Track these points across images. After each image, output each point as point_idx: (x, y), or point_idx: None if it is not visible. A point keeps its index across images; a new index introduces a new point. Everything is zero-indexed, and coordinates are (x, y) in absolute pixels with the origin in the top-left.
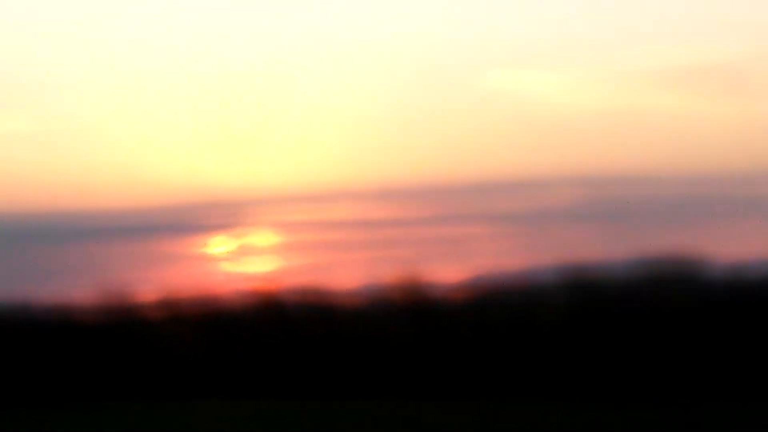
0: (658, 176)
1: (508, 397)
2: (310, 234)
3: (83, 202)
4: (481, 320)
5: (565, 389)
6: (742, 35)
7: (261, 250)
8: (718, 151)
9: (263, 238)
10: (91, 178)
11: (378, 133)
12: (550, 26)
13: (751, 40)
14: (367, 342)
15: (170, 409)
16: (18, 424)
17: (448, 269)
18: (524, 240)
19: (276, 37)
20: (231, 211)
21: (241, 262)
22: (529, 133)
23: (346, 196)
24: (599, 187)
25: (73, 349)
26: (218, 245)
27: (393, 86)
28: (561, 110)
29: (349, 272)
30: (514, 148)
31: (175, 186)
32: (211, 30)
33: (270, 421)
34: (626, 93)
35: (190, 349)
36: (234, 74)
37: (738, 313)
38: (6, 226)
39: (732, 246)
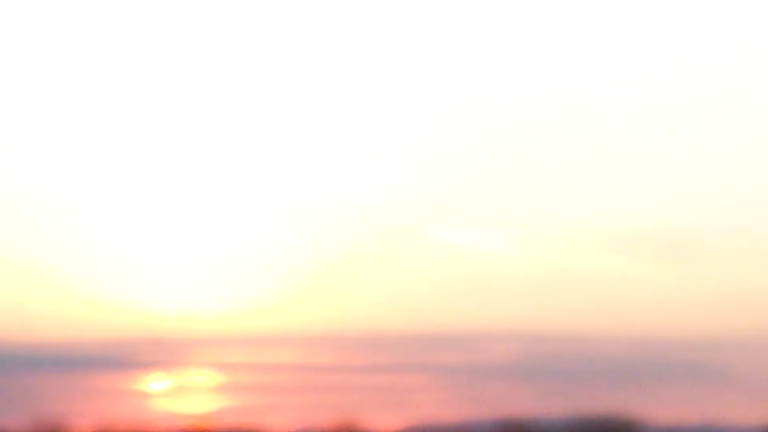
0: (598, 337)
1: None
2: (249, 376)
3: (19, 332)
4: None
5: None
6: (689, 201)
7: (199, 390)
8: (660, 316)
9: (202, 377)
10: (27, 307)
11: (321, 280)
12: (496, 182)
13: (699, 207)
14: None
15: None
16: None
17: (386, 418)
18: (463, 392)
19: (227, 178)
20: (169, 349)
21: (179, 400)
22: (473, 288)
23: (286, 340)
24: (539, 344)
25: None
26: (155, 382)
27: (338, 235)
28: (504, 266)
29: (287, 416)
30: (457, 301)
31: (113, 320)
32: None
33: None
34: (571, 252)
35: None
36: (176, 209)
37: None
38: None
39: (669, 410)
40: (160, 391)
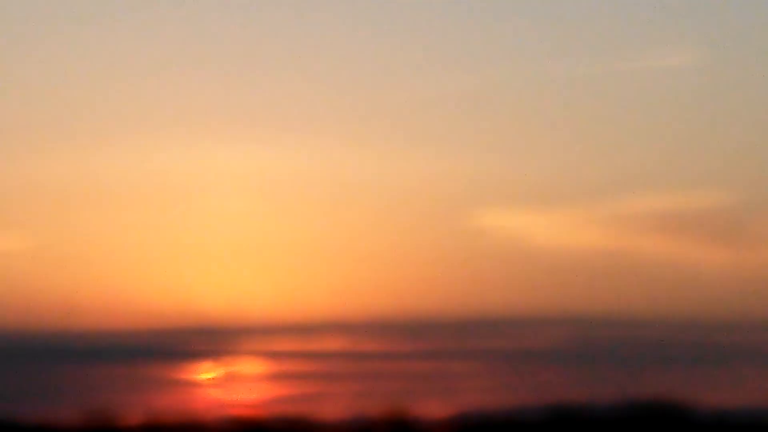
0: (648, 320)
1: None
2: (298, 364)
3: (73, 323)
4: None
5: None
6: (737, 183)
7: (248, 379)
8: (708, 298)
9: (251, 366)
10: (81, 298)
11: (368, 267)
12: (542, 165)
13: (746, 188)
14: None
15: None
16: None
17: (435, 405)
18: (512, 378)
19: (269, 169)
20: (219, 338)
21: (228, 390)
22: (518, 272)
23: (335, 328)
24: (588, 329)
25: None
26: (205, 372)
27: (383, 221)
28: (549, 250)
29: (335, 404)
30: (502, 286)
31: (164, 310)
32: (205, 153)
33: None
34: (617, 235)
35: None
36: (225, 200)
37: None
38: None
39: (718, 392)
40: (210, 380)
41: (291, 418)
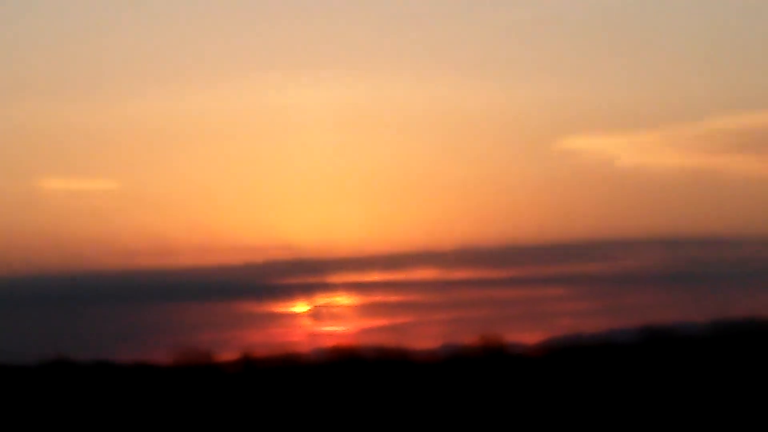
0: (740, 239)
1: None
2: (390, 295)
3: (167, 262)
4: (560, 380)
5: None
6: None
7: (341, 310)
8: None
9: (343, 298)
10: (175, 238)
11: (457, 196)
12: (627, 90)
13: None
14: (446, 401)
15: None
16: None
17: (528, 330)
18: (603, 302)
19: (357, 104)
20: (312, 272)
21: (321, 322)
22: (606, 195)
23: (426, 258)
24: (678, 249)
25: (156, 405)
26: (298, 305)
27: (473, 149)
28: (637, 172)
29: (427, 333)
30: (592, 210)
31: (257, 246)
32: (295, 88)
33: None
34: (703, 155)
35: (270, 407)
36: (316, 134)
37: None
38: (90, 285)
39: None
40: (303, 313)
41: (384, 347)
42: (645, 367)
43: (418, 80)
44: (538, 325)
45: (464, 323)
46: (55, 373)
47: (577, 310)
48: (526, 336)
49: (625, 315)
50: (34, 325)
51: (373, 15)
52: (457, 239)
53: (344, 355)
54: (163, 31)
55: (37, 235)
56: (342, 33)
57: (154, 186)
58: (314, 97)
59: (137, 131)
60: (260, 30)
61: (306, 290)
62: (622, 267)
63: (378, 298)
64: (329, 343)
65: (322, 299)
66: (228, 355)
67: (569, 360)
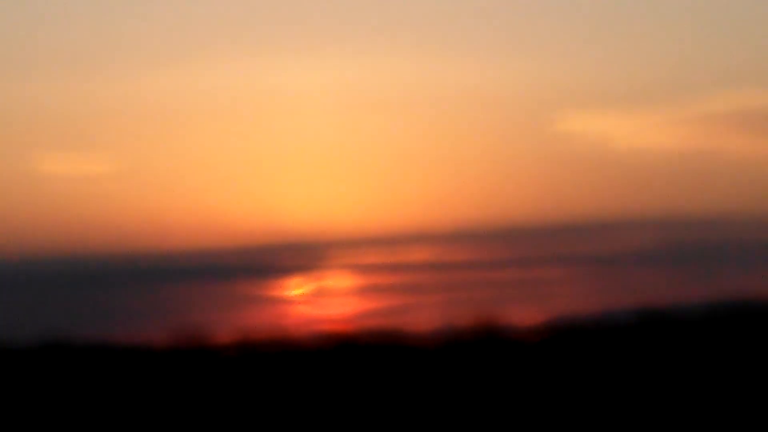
0: (736, 219)
1: None
2: (387, 276)
3: (162, 243)
4: (557, 363)
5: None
6: None
7: (337, 293)
8: None
9: (340, 280)
10: (171, 218)
11: (453, 176)
12: (622, 68)
13: None
14: (443, 384)
15: None
16: None
17: (524, 312)
18: (599, 283)
19: (354, 83)
20: (308, 253)
21: (317, 304)
22: (604, 175)
23: (422, 239)
24: (674, 230)
25: (149, 387)
26: (294, 288)
27: (467, 129)
28: (635, 152)
29: (425, 315)
30: (588, 190)
31: (252, 227)
32: (292, 69)
33: None
34: (702, 135)
35: (265, 390)
36: (312, 114)
37: None
38: (85, 266)
39: None
40: (300, 296)
41: (381, 330)
42: (642, 347)
43: (414, 60)
44: (535, 305)
45: (462, 305)
46: (51, 355)
47: (575, 291)
48: (524, 317)
49: (623, 296)
50: (31, 307)
51: None
52: (454, 220)
53: (341, 339)
54: (162, 11)
55: (34, 217)
56: (336, 13)
57: (150, 167)
58: (311, 78)
59: (134, 112)
60: (258, 10)
61: (303, 272)
62: (619, 248)
63: (375, 279)
64: (326, 325)
65: (319, 281)
66: (224, 336)
67: (567, 341)
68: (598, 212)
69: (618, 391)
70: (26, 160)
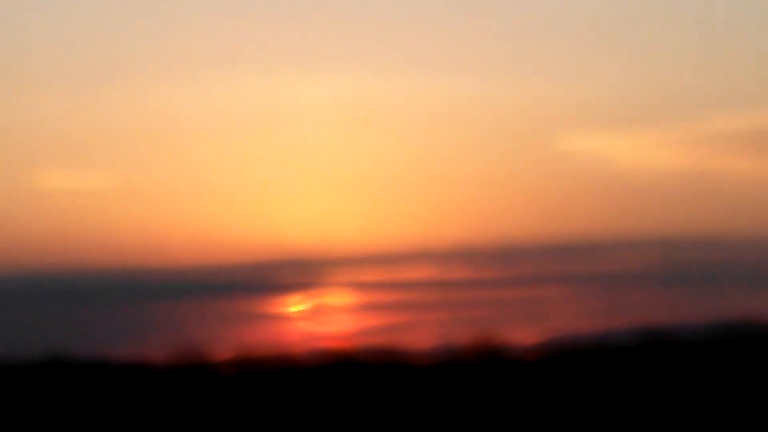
0: (734, 240)
1: None
2: (386, 294)
3: (162, 260)
4: (556, 382)
5: None
6: None
7: (336, 310)
8: None
9: (339, 297)
10: (169, 235)
11: (454, 194)
12: (624, 88)
13: None
14: (441, 403)
15: None
16: None
17: (524, 331)
18: (599, 302)
19: (354, 100)
20: (307, 271)
21: (317, 322)
22: (604, 195)
23: (422, 257)
24: (674, 250)
25: (149, 404)
26: (294, 305)
27: (469, 147)
28: (635, 172)
29: (424, 333)
30: (589, 209)
31: (252, 244)
32: (292, 87)
33: None
34: (701, 156)
35: (264, 407)
36: (312, 131)
37: None
38: (85, 282)
39: None
40: (299, 313)
41: (380, 348)
42: (642, 369)
43: (414, 77)
44: (535, 325)
45: (461, 323)
46: (50, 371)
47: (575, 310)
48: (523, 336)
49: (623, 316)
50: (30, 323)
51: (368, 14)
52: (454, 239)
53: (340, 357)
54: (163, 29)
55: (33, 233)
56: (336, 31)
57: (149, 184)
58: (310, 96)
59: (133, 129)
60: (257, 29)
61: (302, 289)
62: (620, 268)
63: (374, 297)
64: (325, 342)
65: (318, 299)
66: (223, 354)
67: (566, 361)
68: (598, 232)
69: (617, 412)
70: (26, 176)
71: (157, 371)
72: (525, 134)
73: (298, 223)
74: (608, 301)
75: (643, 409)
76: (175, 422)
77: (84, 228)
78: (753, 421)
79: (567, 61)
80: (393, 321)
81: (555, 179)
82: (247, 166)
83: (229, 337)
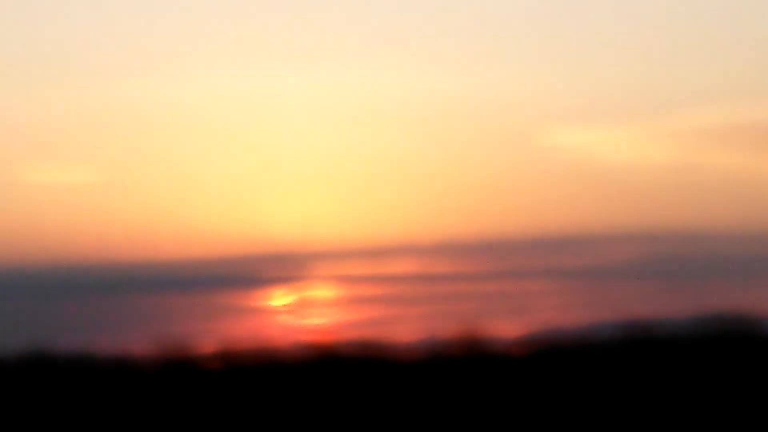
0: (718, 234)
1: None
2: (371, 288)
3: (146, 253)
4: (540, 376)
5: None
6: None
7: (320, 304)
8: None
9: (323, 291)
10: (153, 229)
11: (438, 188)
12: (607, 82)
13: None
14: (425, 396)
15: None
16: None
17: (508, 324)
18: (584, 296)
19: (338, 96)
20: (291, 264)
21: (301, 315)
22: (588, 189)
23: (406, 251)
24: (659, 244)
25: (132, 399)
26: (278, 298)
27: (453, 142)
28: (619, 166)
29: (407, 326)
30: (573, 204)
31: (236, 238)
32: (278, 80)
33: None
34: (686, 150)
35: (247, 401)
36: (298, 125)
37: None
38: (68, 276)
39: None
40: (283, 306)
41: (364, 341)
42: (626, 360)
43: (401, 73)
44: (520, 318)
45: (445, 317)
46: (33, 366)
47: (559, 303)
48: (509, 329)
49: (608, 309)
50: (14, 317)
51: (354, 12)
52: (438, 233)
53: (324, 351)
54: (149, 23)
55: (18, 227)
56: (321, 28)
57: (134, 178)
58: (297, 91)
59: (119, 123)
60: (246, 23)
61: (287, 283)
62: (603, 261)
63: (359, 290)
64: (309, 336)
65: (302, 292)
66: (207, 346)
67: (551, 354)
68: (584, 226)
69: (602, 403)
70: (11, 170)
71: (141, 365)
72: (510, 129)
73: (282, 217)
74: (592, 295)
75: (628, 400)
76: (159, 416)
77: (67, 222)
78: (738, 413)
79: (552, 57)
80: (377, 314)
81: (539, 174)
82: (232, 161)
83: (213, 331)
